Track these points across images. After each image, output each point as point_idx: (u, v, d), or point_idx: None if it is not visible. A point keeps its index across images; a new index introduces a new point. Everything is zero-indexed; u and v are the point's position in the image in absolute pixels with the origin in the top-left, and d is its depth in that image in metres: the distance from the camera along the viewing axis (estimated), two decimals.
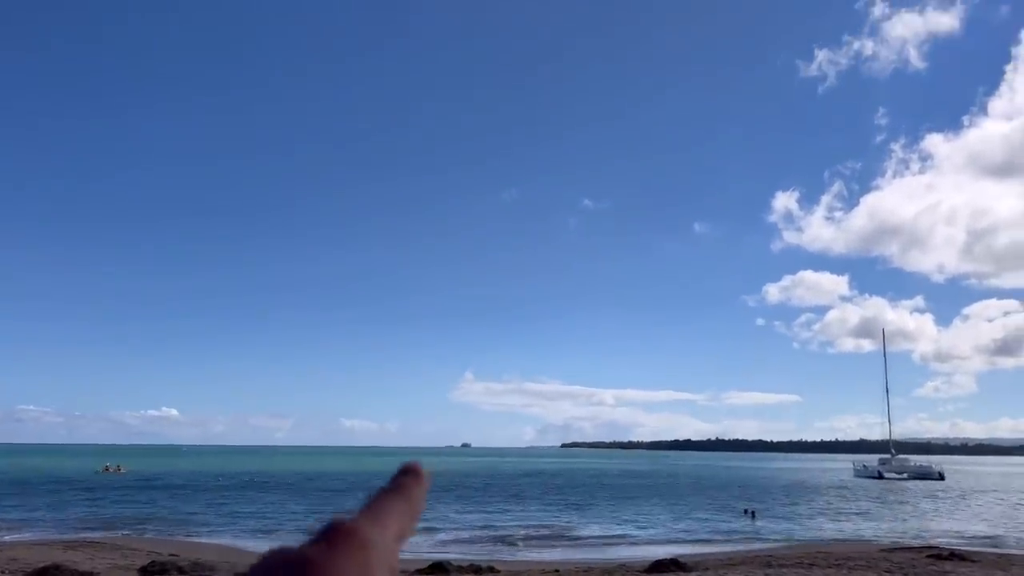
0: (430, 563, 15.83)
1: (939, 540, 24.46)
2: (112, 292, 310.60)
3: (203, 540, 23.32)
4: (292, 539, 0.41)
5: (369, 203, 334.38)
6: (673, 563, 13.56)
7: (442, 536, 25.52)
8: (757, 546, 23.54)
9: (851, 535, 27.38)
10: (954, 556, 15.36)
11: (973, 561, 15.04)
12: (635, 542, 24.70)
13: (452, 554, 19.29)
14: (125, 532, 24.83)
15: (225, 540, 23.45)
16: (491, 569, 15.83)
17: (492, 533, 26.67)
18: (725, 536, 26.89)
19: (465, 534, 26.09)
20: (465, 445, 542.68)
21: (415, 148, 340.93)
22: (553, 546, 23.40)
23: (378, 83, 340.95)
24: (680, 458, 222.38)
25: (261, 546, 21.95)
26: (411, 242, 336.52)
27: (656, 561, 15.69)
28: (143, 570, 14.52)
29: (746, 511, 36.84)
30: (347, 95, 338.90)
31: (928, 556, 15.67)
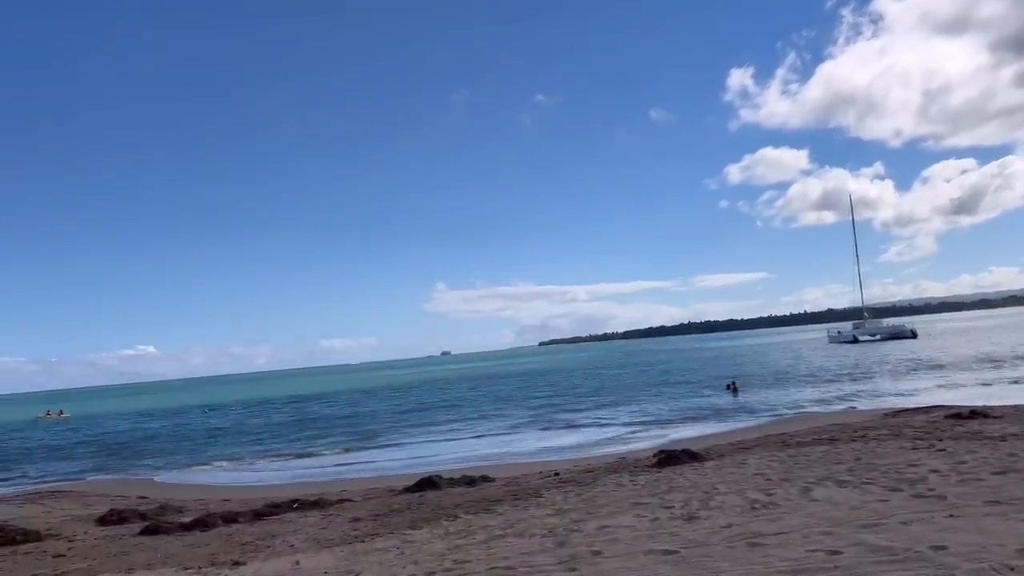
0: (419, 478, 14.61)
1: (940, 397, 24.00)
2: (76, 235, 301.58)
3: (174, 479, 21.99)
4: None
5: (321, 124, 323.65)
6: (686, 453, 12.42)
7: (434, 446, 24.48)
8: (753, 422, 22.88)
9: (847, 401, 26.89)
10: (975, 414, 14.46)
11: (997, 417, 14.14)
12: (631, 431, 23.86)
13: (444, 466, 18.16)
14: (93, 477, 23.40)
15: (198, 477, 22.14)
16: (484, 478, 14.65)
17: (481, 439, 25.68)
18: (717, 414, 26.26)
19: (454, 443, 25.07)
20: (445, 353, 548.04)
21: (364, 58, 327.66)
22: (548, 445, 22.44)
23: None
24: (655, 343, 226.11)
25: (237, 479, 20.93)
26: (367, 158, 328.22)
27: (661, 450, 14.61)
28: (101, 520, 13.08)
29: (728, 386, 36.68)
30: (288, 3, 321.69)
31: (947, 417, 14.76)
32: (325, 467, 21.60)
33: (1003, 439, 10.52)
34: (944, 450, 9.68)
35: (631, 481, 10.63)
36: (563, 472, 13.89)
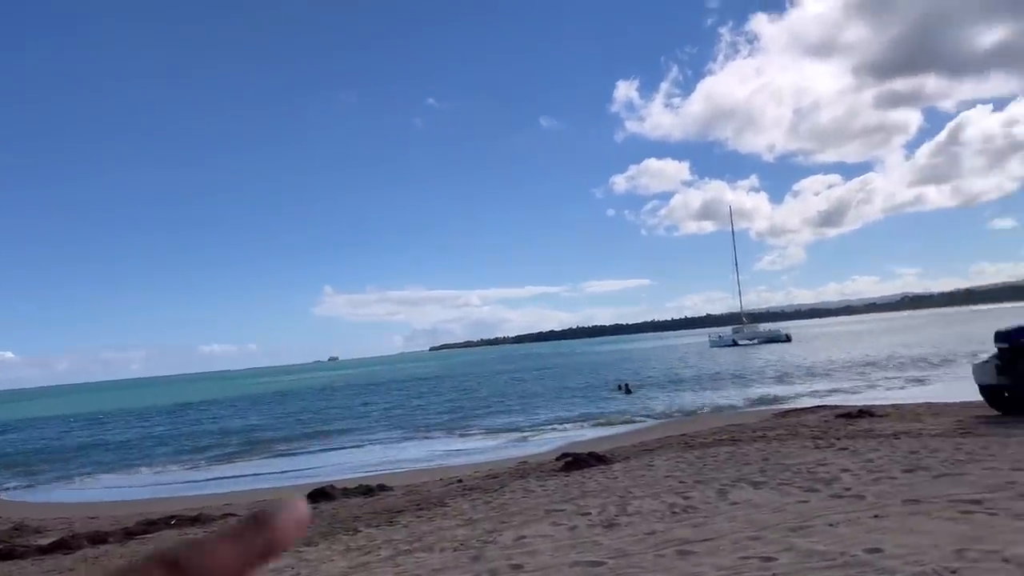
0: (311, 488, 13.76)
1: (821, 397, 25.00)
2: None
3: (29, 497, 20.01)
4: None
5: (204, 122, 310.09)
6: (591, 456, 12.18)
7: (325, 455, 23.40)
8: (649, 423, 23.11)
9: (735, 401, 27.65)
10: (863, 413, 14.96)
11: (882, 415, 14.67)
12: (529, 434, 23.59)
13: (337, 475, 17.26)
14: None
15: (60, 494, 20.25)
16: (382, 487, 13.94)
17: (375, 445, 24.79)
18: (613, 415, 26.41)
19: (346, 452, 24.07)
20: (333, 359, 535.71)
21: (249, 57, 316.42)
22: (446, 449, 21.84)
23: None
24: (548, 348, 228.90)
25: (106, 495, 19.21)
26: (252, 158, 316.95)
27: (565, 453, 14.34)
28: None
29: (620, 386, 37.30)
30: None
31: (838, 416, 15.21)
32: (206, 479, 20.19)
33: (896, 437, 10.80)
34: (847, 449, 9.80)
35: (540, 487, 10.24)
36: (466, 478, 13.37)
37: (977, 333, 59.92)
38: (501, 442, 22.62)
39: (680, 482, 8.83)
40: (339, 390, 67.40)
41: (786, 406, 22.72)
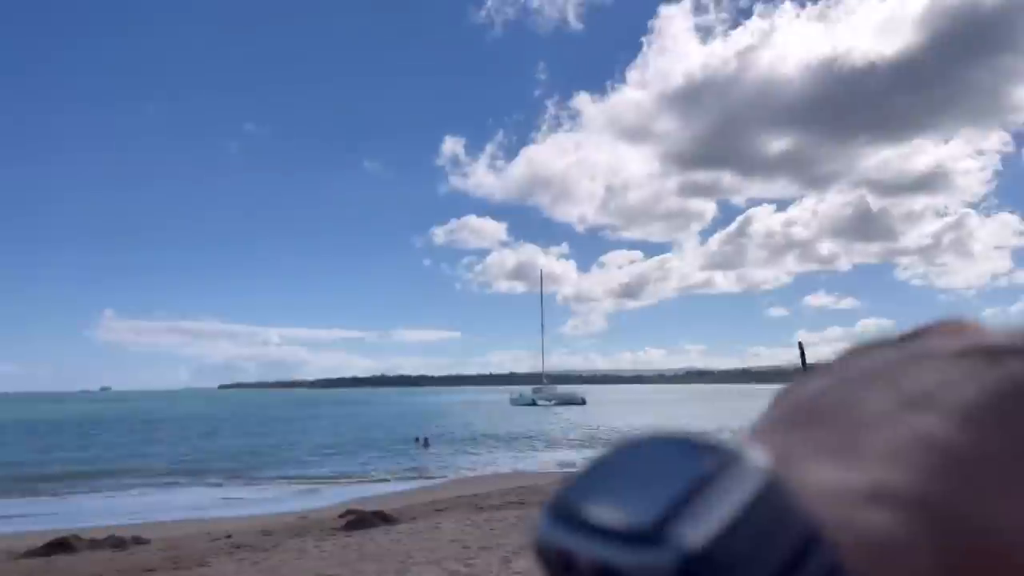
0: (50, 539, 11.94)
1: None
2: None
3: None
4: None
5: None
6: (377, 515, 11.54)
7: (75, 499, 20.73)
8: (443, 480, 22.72)
9: (526, 463, 27.97)
10: None
11: None
12: (317, 484, 22.33)
13: (84, 523, 15.19)
14: None
15: None
16: (137, 540, 12.39)
17: (136, 491, 22.39)
18: (408, 470, 25.77)
19: (101, 497, 21.52)
20: (104, 389, 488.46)
21: (44, 52, 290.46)
22: (223, 499, 20.10)
23: None
24: (346, 394, 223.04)
25: None
26: (41, 167, 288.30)
27: (349, 510, 13.57)
28: None
29: (417, 439, 36.84)
30: None
31: None
32: None
33: None
34: None
35: (316, 547, 9.48)
36: (236, 533, 12.20)
37: (750, 409, 65.56)
38: (284, 493, 21.21)
39: (464, 547, 8.48)
40: (106, 424, 61.09)
41: (576, 470, 23.18)
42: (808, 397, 0.32)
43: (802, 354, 15.00)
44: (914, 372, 0.31)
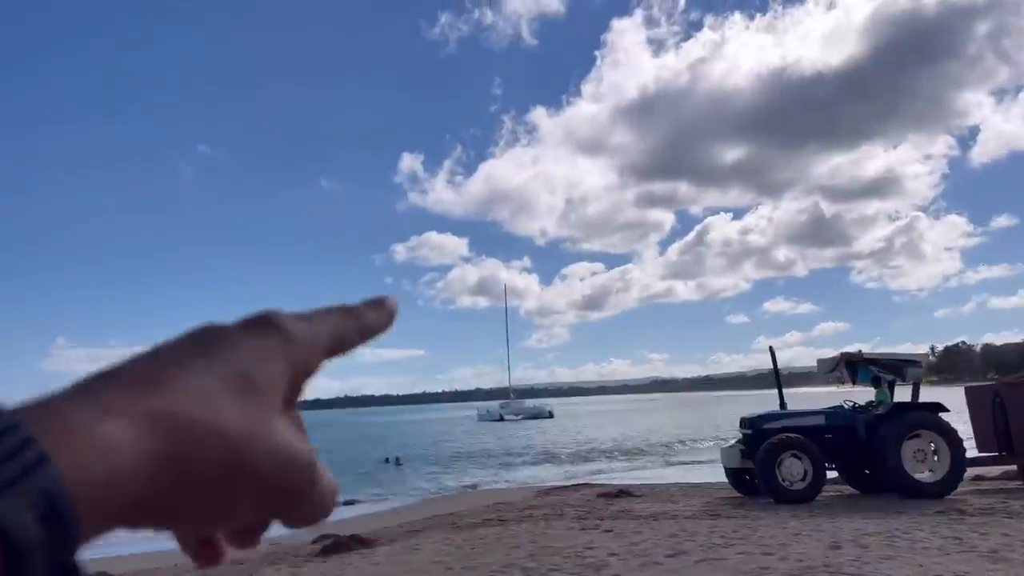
0: None
1: (581, 476, 25.79)
2: None
3: None
4: None
5: None
6: (353, 539, 11.29)
7: None
8: (416, 499, 22.41)
9: (499, 479, 27.77)
10: (622, 493, 15.45)
11: (640, 495, 15.22)
12: None
13: None
14: None
15: None
16: (102, 574, 11.99)
17: None
18: (379, 491, 25.41)
19: None
20: None
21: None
22: None
23: None
24: (310, 417, 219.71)
25: None
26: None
27: (324, 535, 13.27)
28: None
29: (387, 460, 36.51)
30: None
31: (599, 495, 15.57)
32: None
33: (655, 518, 11.12)
34: (611, 531, 9.86)
35: (293, 575, 9.23)
36: None
37: (715, 417, 66.14)
38: None
39: (447, 569, 8.33)
40: None
41: (549, 483, 23.11)
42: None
43: (773, 359, 15.12)
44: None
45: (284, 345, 0.41)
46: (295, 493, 0.41)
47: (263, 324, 0.41)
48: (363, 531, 12.82)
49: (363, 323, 0.45)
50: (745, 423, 13.90)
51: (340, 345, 0.44)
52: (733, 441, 14.60)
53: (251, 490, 0.39)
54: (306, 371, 0.43)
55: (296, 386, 0.43)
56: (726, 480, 14.68)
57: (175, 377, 0.38)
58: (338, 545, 11.07)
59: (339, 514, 20.38)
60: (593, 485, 19.39)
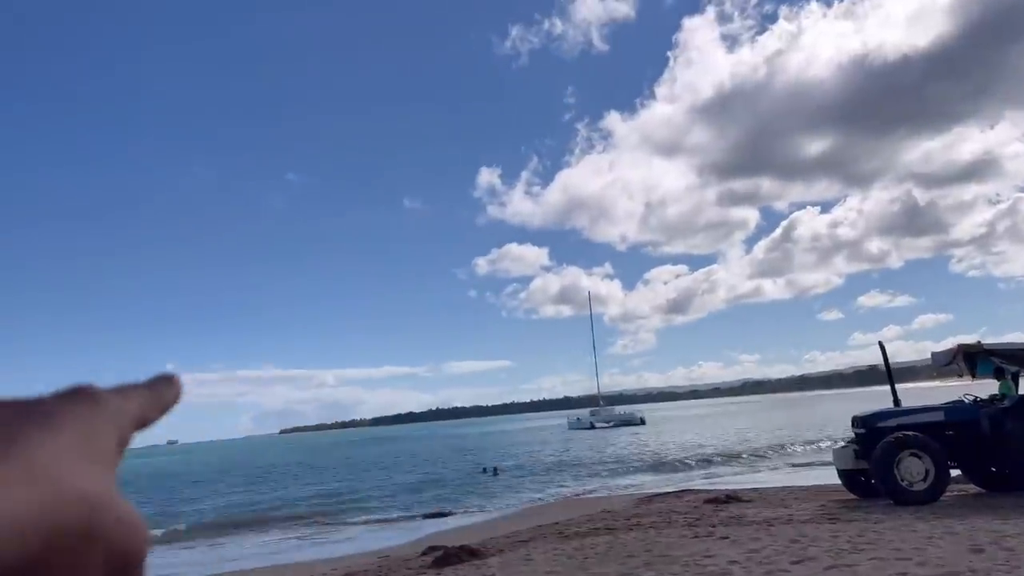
0: None
1: (682, 481, 25.30)
2: None
3: None
4: None
5: (50, 190, 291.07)
6: (464, 550, 11.36)
7: (167, 547, 20.95)
8: (517, 508, 22.43)
9: (598, 486, 27.51)
10: (731, 498, 15.04)
11: (748, 500, 14.79)
12: (391, 521, 22.26)
13: (180, 572, 15.34)
14: None
15: None
16: None
17: (216, 540, 22.58)
18: (479, 501, 25.56)
19: (189, 548, 21.76)
20: (171, 442, 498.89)
21: (99, 124, 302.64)
22: (292, 545, 20.14)
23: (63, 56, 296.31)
24: (406, 430, 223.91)
25: None
26: (96, 227, 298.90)
27: (431, 547, 13.42)
28: None
29: (485, 470, 36.70)
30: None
31: (706, 501, 15.20)
32: None
33: (771, 524, 10.76)
34: (727, 538, 9.59)
35: None
36: (329, 574, 12.16)
37: (814, 417, 63.88)
38: (359, 532, 21.16)
39: None
40: (181, 476, 62.20)
41: (650, 490, 22.75)
42: None
43: (884, 355, 14.46)
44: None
45: (111, 416, 0.43)
46: (139, 556, 0.42)
47: (86, 396, 0.43)
48: (470, 541, 12.90)
49: (162, 400, 0.45)
50: (858, 422, 13.33)
51: (145, 420, 0.45)
52: (845, 441, 14.03)
53: (100, 555, 0.41)
54: (124, 442, 0.44)
55: (119, 455, 0.44)
56: (838, 482, 14.12)
57: (29, 445, 0.40)
58: (449, 556, 11.15)
59: (443, 525, 20.65)
60: (697, 491, 18.98)
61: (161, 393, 0.45)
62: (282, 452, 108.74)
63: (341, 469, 52.80)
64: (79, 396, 0.43)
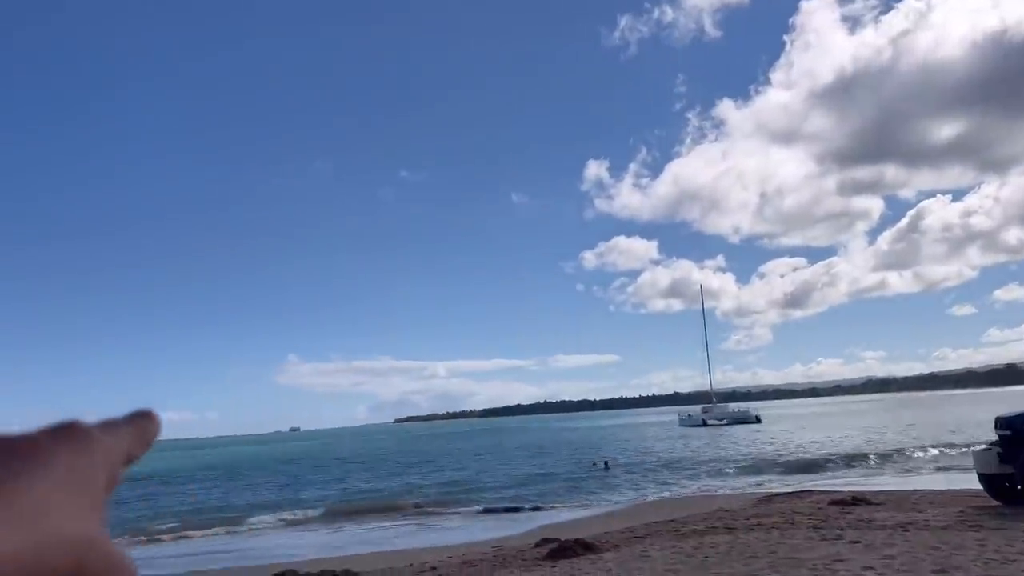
0: (277, 572, 12.66)
1: (802, 482, 24.32)
2: None
3: None
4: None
5: (172, 189, 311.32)
6: (578, 543, 11.31)
7: (285, 535, 22.02)
8: (628, 504, 22.19)
9: (714, 484, 26.85)
10: (857, 500, 14.31)
11: (878, 503, 14.03)
12: (504, 511, 22.50)
13: (297, 557, 16.03)
14: None
15: None
16: (347, 572, 12.88)
17: (339, 527, 23.46)
18: (591, 495, 25.46)
19: (308, 532, 22.72)
20: (294, 429, 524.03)
21: (219, 125, 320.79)
22: (408, 531, 20.66)
23: (191, 58, 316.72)
24: (517, 422, 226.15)
25: None
26: (221, 222, 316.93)
27: (545, 539, 13.43)
28: None
29: (595, 463, 36.59)
30: (143, 68, 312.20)
31: (832, 503, 14.52)
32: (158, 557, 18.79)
33: (904, 528, 10.15)
34: (859, 542, 9.11)
35: None
36: (440, 565, 12.37)
37: (946, 418, 60.01)
38: (473, 522, 21.50)
39: None
40: (303, 463, 65.14)
41: (769, 490, 21.99)
42: None
43: None
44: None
45: (101, 454, 0.43)
46: None
47: (77, 433, 0.43)
48: (583, 535, 12.82)
49: (146, 436, 0.45)
50: (1003, 423, 12.38)
51: (131, 457, 0.45)
52: (987, 444, 13.07)
53: None
54: (114, 481, 0.44)
55: (108, 493, 0.44)
56: (976, 487, 13.18)
57: (19, 484, 0.41)
58: (563, 549, 11.12)
59: (555, 516, 20.68)
60: (819, 492, 18.18)
61: (145, 429, 0.45)
62: (398, 441, 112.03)
63: (456, 459, 53.83)
64: (70, 433, 0.42)
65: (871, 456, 33.72)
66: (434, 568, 12.06)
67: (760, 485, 25.37)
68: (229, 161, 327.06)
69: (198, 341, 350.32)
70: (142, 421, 0.45)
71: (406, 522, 22.60)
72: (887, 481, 22.91)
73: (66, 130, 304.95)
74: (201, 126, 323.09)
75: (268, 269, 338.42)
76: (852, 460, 32.57)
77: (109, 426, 0.44)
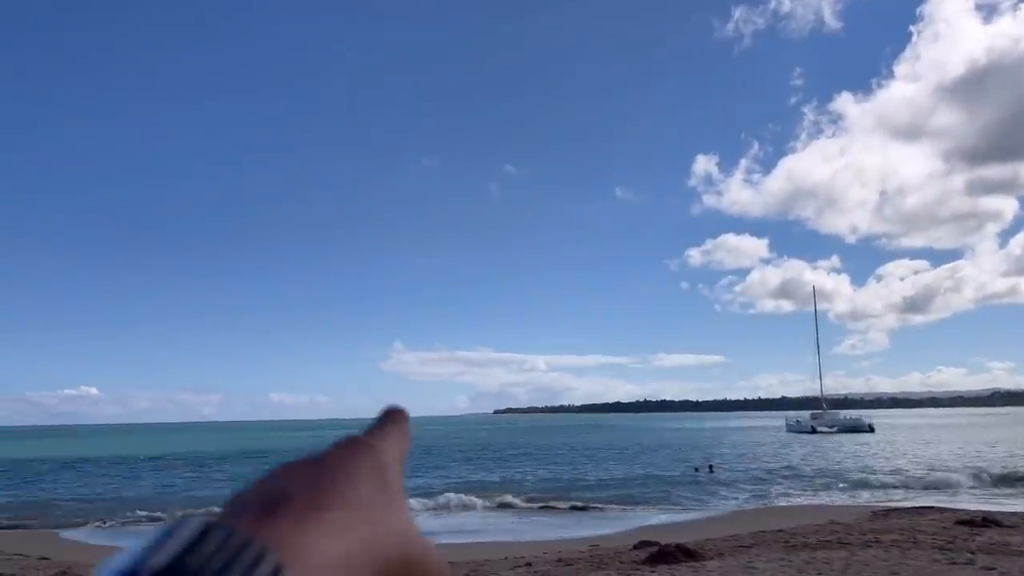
0: None
1: (921, 497, 22.82)
2: (21, 272, 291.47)
3: (85, 538, 19.54)
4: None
5: (288, 180, 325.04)
6: (679, 548, 10.86)
7: None
8: (731, 509, 21.38)
9: (823, 494, 25.58)
10: (988, 522, 13.17)
11: (1011, 527, 12.86)
12: (601, 511, 22.14)
13: None
14: None
15: (117, 539, 19.77)
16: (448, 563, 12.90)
17: (448, 515, 23.67)
18: (692, 499, 24.72)
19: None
20: None
21: (333, 119, 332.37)
22: (500, 524, 20.60)
23: (292, 53, 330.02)
24: (612, 419, 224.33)
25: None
26: (335, 214, 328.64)
27: (644, 541, 13.03)
28: None
29: (697, 468, 35.54)
30: (256, 63, 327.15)
31: (958, 523, 13.43)
32: None
33: None
34: (993, 568, 8.30)
35: None
36: (535, 561, 12.17)
37: None
38: (567, 518, 21.25)
39: None
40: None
41: (883, 504, 20.71)
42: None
43: None
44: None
45: (388, 460, 0.47)
46: None
47: (363, 445, 0.47)
48: (684, 540, 12.33)
49: (407, 431, 0.51)
50: None
51: (403, 452, 0.50)
52: None
53: None
54: (399, 477, 0.48)
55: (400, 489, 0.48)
56: None
57: (346, 493, 0.46)
58: (664, 554, 10.69)
59: (654, 518, 20.15)
60: (943, 509, 16.94)
61: (404, 427, 0.51)
62: (498, 432, 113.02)
63: (557, 453, 53.68)
64: (358, 446, 0.46)
65: (999, 472, 31.29)
66: (529, 564, 11.87)
67: (873, 498, 23.96)
68: (347, 159, 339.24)
69: (312, 326, 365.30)
70: (400, 420, 0.51)
71: (503, 515, 22.58)
72: (1019, 503, 21.14)
73: (200, 128, 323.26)
74: (317, 123, 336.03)
75: (380, 260, 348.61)
76: (977, 476, 30.32)
77: (377, 432, 0.49)
